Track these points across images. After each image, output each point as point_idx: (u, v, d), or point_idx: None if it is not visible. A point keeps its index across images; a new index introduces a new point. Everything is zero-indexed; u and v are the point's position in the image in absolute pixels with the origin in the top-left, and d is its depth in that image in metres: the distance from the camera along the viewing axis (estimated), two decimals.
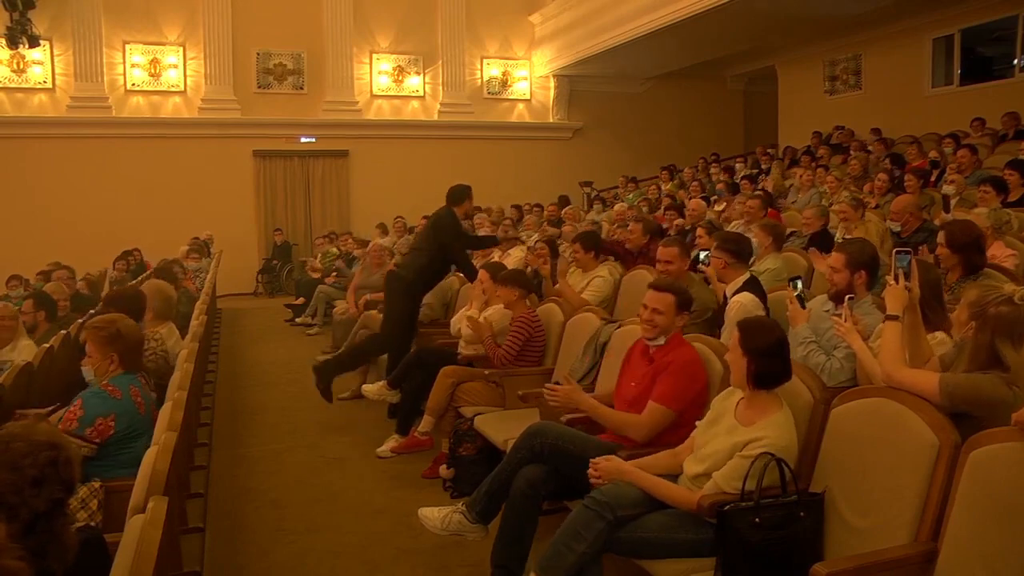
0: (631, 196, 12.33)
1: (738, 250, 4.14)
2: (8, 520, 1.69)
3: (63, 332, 4.94)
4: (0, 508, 1.71)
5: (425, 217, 11.17)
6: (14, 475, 1.76)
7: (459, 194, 6.26)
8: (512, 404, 4.46)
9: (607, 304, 5.52)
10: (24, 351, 4.80)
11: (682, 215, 8.00)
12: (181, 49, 14.35)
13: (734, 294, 4.02)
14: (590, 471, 2.82)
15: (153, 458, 2.46)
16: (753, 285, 4.06)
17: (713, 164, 13.23)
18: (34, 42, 12.02)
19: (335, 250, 12.07)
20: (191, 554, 3.67)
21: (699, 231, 5.80)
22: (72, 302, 6.71)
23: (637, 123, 16.80)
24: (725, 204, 8.76)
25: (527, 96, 16.55)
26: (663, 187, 12.32)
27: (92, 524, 2.70)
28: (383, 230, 12.46)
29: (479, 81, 16.19)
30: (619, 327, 4.18)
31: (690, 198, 9.41)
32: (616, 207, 10.11)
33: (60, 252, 11.25)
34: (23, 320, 5.33)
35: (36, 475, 1.77)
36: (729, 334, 3.46)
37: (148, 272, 9.63)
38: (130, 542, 1.90)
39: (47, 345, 4.53)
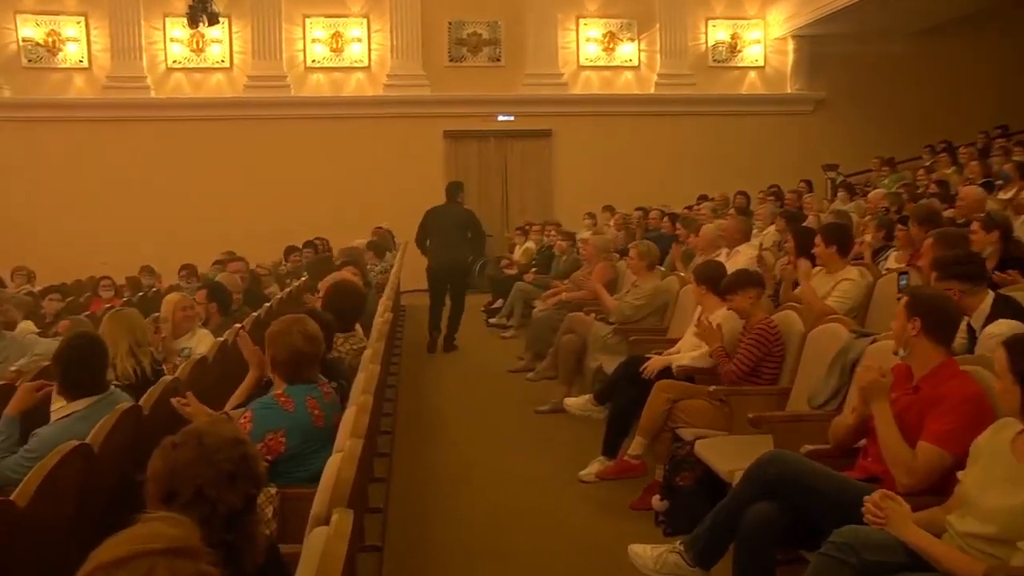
0: (888, 180, 11.59)
1: (967, 272, 3.84)
2: (207, 517, 1.83)
3: (238, 326, 5.35)
4: (200, 505, 1.86)
5: (639, 209, 11.23)
6: (211, 470, 1.90)
7: (461, 188, 9.87)
8: (741, 428, 4.33)
9: (857, 313, 5.23)
10: (203, 341, 5.30)
11: (952, 204, 7.43)
12: (365, 21, 15.21)
13: (985, 325, 3.74)
14: (868, 507, 2.66)
15: (337, 466, 2.57)
16: (1004, 306, 3.78)
17: (999, 139, 12.14)
18: (214, 19, 12.77)
19: (531, 245, 12.31)
20: (367, 575, 3.88)
21: (974, 226, 5.32)
22: (245, 296, 7.17)
23: (895, 91, 15.64)
24: (1016, 190, 8.02)
25: (760, 63, 16.04)
26: (931, 169, 11.49)
27: (267, 532, 2.87)
28: (594, 221, 12.58)
29: (703, 47, 15.91)
30: (872, 342, 3.93)
31: (967, 182, 8.70)
32: (871, 194, 9.54)
33: (232, 241, 12.19)
34: (196, 311, 5.86)
35: (231, 470, 1.91)
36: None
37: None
38: (312, 555, 1.97)
39: (221, 339, 4.96)
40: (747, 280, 4.89)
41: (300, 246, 11.67)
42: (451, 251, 9.38)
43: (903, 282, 2.66)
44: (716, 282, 5.20)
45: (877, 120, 15.62)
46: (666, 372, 5.11)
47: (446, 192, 10.22)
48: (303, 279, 9.25)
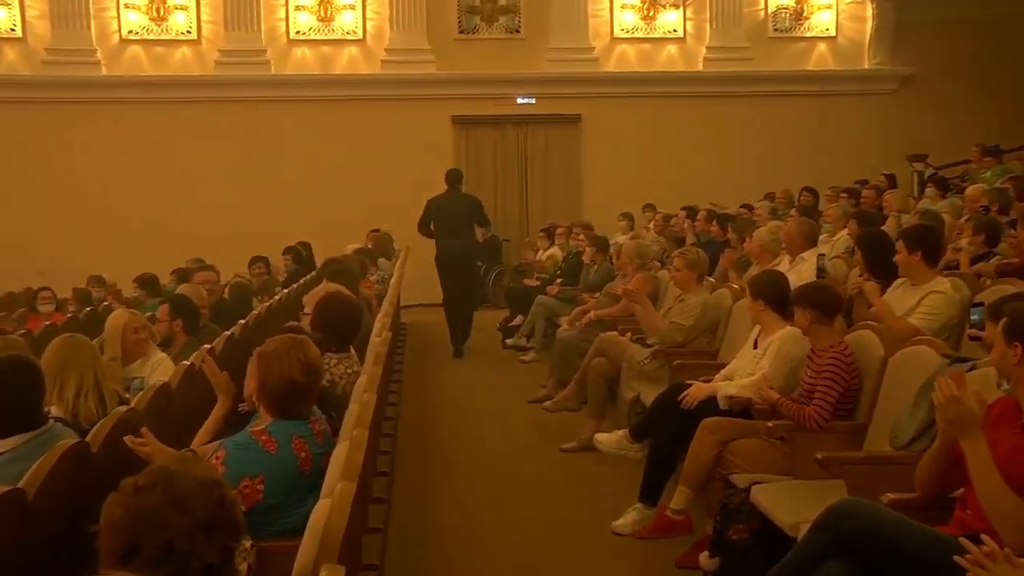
0: (990, 174, 11.54)
1: None
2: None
3: (206, 347, 5.30)
4: (169, 561, 1.83)
5: (685, 209, 11.26)
6: (184, 519, 1.86)
7: (462, 176, 11.46)
8: (806, 471, 4.30)
9: (950, 334, 5.19)
10: (158, 368, 5.27)
11: None
12: None
13: None
14: (971, 559, 2.63)
15: (325, 514, 2.55)
16: None
17: None
18: None
19: (556, 251, 12.34)
20: None
21: None
22: (212, 311, 7.10)
23: (1000, 65, 15.36)
24: None
25: (831, 32, 16.05)
26: None
27: None
28: (630, 223, 12.60)
29: (761, 14, 15.94)
30: (971, 369, 3.90)
31: None
32: (968, 190, 9.50)
33: (201, 246, 12.34)
34: (157, 330, 5.89)
35: (207, 517, 1.89)
36: None
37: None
38: None
39: (187, 363, 4.97)
40: (818, 297, 4.86)
41: (263, 256, 11.71)
42: (456, 240, 10.85)
43: (975, 317, 2.69)
44: (776, 296, 5.18)
45: (978, 100, 15.37)
46: (713, 407, 5.10)
47: (447, 179, 11.27)
48: (285, 292, 9.30)
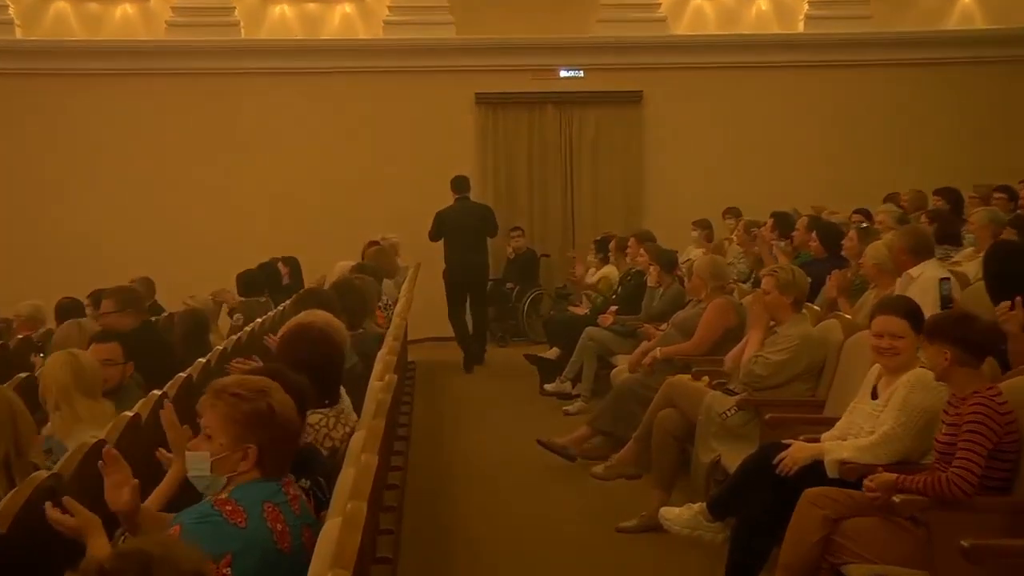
0: None
1: None
2: None
3: (157, 393, 5.34)
4: None
5: (777, 215, 11.22)
6: None
7: (469, 183, 13.05)
8: (947, 564, 4.24)
9: None
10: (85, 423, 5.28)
11: None
12: None
13: None
14: None
15: None
16: None
17: None
18: None
19: (611, 270, 12.30)
20: None
21: None
22: (139, 341, 7.08)
23: None
24: None
25: None
26: None
27: None
28: (706, 233, 12.63)
29: None
30: None
31: None
32: None
33: (152, 262, 12.46)
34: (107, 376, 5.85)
35: None
36: None
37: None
38: None
39: (129, 414, 4.97)
40: (961, 328, 4.79)
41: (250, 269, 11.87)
42: (468, 255, 12.09)
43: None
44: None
45: None
46: (817, 473, 5.06)
47: (455, 188, 12.42)
48: (248, 326, 9.34)
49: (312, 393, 4.31)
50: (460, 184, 13.15)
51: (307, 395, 4.13)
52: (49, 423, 5.39)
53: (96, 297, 9.32)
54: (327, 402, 4.71)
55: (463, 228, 12.16)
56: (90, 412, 5.36)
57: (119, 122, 15.02)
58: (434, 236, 12.79)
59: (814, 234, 9.80)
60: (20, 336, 9.80)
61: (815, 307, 7.49)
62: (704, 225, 12.79)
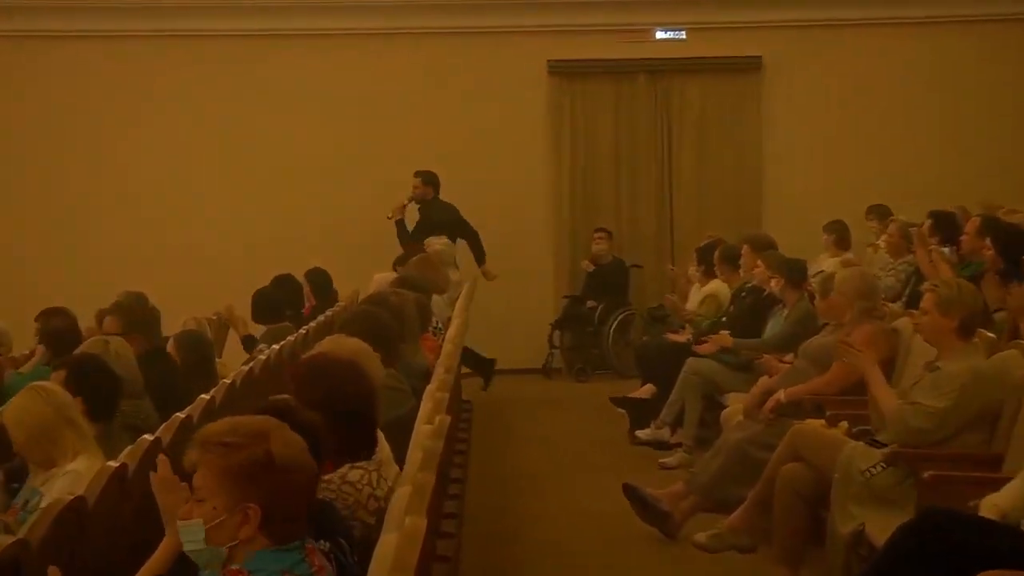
0: None
1: None
2: None
3: (149, 438, 5.39)
4: None
5: (936, 215, 11.14)
6: None
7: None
8: None
9: None
10: (66, 478, 5.32)
11: None
12: None
13: None
14: None
15: None
16: None
17: None
18: None
19: (720, 286, 12.20)
20: None
21: None
22: (151, 370, 7.27)
23: None
24: None
25: None
26: None
27: None
28: (841, 238, 12.55)
29: None
30: None
31: None
32: None
33: (138, 267, 12.84)
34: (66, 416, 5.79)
35: None
36: None
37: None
38: None
39: (113, 464, 4.98)
40: None
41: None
42: None
43: None
44: None
45: None
46: (995, 545, 4.96)
47: (432, 184, 13.28)
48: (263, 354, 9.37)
49: (324, 434, 4.27)
50: (432, 180, 14.07)
51: (320, 436, 4.09)
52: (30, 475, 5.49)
53: (102, 316, 9.44)
54: (364, 453, 4.69)
55: (429, 229, 12.61)
56: (75, 457, 5.45)
57: (119, 88, 15.36)
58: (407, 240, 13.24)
59: (988, 240, 9.67)
60: None
61: (989, 334, 7.32)
62: (838, 228, 12.73)
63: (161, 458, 4.48)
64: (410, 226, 14.18)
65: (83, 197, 15.24)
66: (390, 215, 14.17)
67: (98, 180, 15.29)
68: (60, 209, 15.21)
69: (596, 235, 15.16)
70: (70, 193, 15.25)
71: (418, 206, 14.31)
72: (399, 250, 13.16)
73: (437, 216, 14.10)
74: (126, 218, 15.21)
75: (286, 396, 4.77)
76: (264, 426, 3.57)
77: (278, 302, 11.73)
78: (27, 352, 9.78)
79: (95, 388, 6.27)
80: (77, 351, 7.39)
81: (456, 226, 14.11)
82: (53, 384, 5.96)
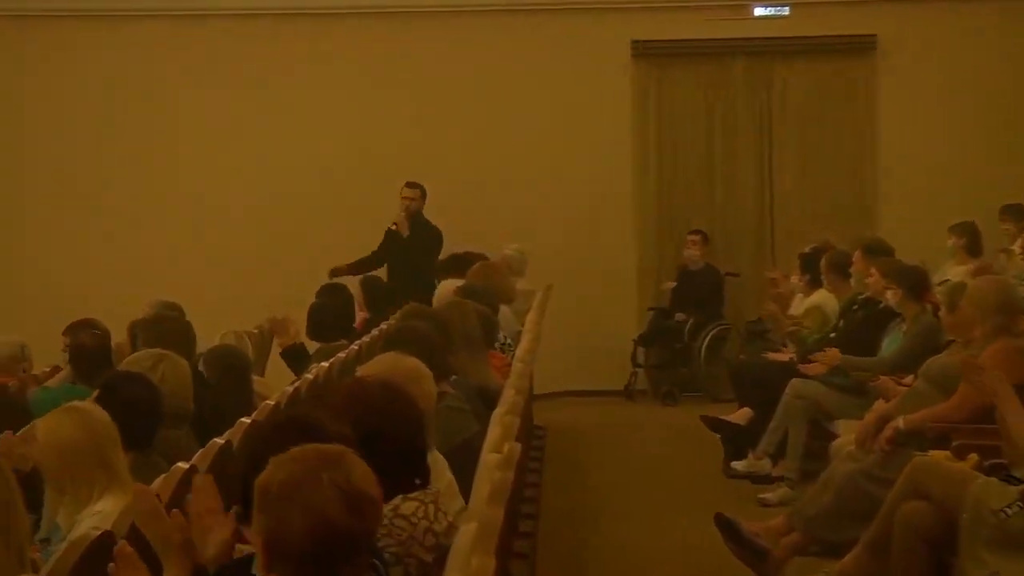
0: None
1: None
2: None
3: (183, 467, 5.44)
4: None
5: None
6: None
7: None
8: None
9: None
10: (97, 515, 5.32)
11: None
12: None
13: None
14: None
15: None
16: None
17: None
18: None
19: (825, 297, 12.17)
20: None
21: None
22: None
23: None
24: None
25: None
26: None
27: None
28: (971, 242, 12.51)
29: None
30: None
31: None
32: None
33: (161, 274, 12.98)
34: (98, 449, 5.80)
35: None
36: None
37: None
38: None
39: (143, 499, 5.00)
40: None
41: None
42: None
43: None
44: None
45: None
46: None
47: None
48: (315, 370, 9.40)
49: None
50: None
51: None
52: (50, 506, 5.54)
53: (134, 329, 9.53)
54: (418, 482, 4.71)
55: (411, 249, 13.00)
56: (101, 495, 5.47)
57: (136, 84, 15.60)
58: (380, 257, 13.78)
59: None
60: None
61: None
62: (967, 230, 12.66)
63: (206, 478, 4.53)
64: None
65: (116, 198, 15.59)
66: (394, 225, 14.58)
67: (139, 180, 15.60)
68: (81, 213, 15.50)
69: (690, 238, 15.16)
70: (108, 195, 15.62)
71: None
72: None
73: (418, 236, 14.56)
74: (156, 222, 15.48)
75: (315, 410, 4.82)
76: (320, 457, 3.60)
77: (332, 315, 11.75)
78: (47, 369, 9.91)
79: (130, 413, 6.25)
80: (123, 367, 7.44)
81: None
82: (97, 409, 5.92)
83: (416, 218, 14.57)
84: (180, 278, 13.86)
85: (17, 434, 6.54)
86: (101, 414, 5.77)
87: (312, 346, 11.20)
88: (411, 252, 14.29)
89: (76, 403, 5.96)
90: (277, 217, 15.39)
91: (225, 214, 15.44)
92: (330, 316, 11.49)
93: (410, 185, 14.58)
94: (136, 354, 7.82)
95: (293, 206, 15.39)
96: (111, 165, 15.55)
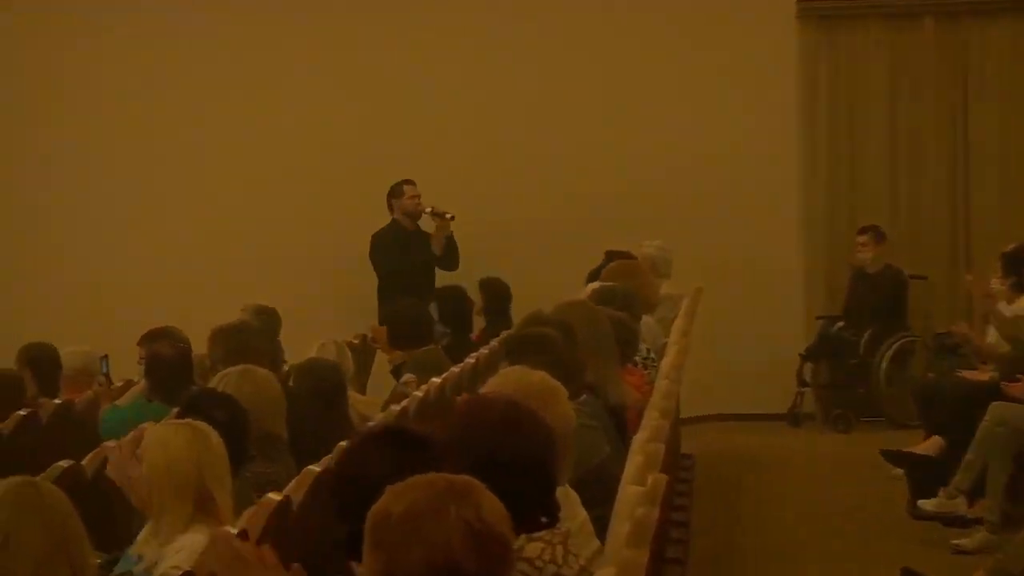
0: None
1: None
2: None
3: (275, 498, 5.49)
4: None
5: None
6: None
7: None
8: None
9: None
10: (184, 552, 5.42)
11: None
12: None
13: None
14: None
15: None
16: None
17: None
18: None
19: None
20: None
21: None
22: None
23: None
24: None
25: None
26: None
27: None
28: None
29: None
30: None
31: None
32: None
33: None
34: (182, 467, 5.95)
35: None
36: None
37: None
38: None
39: (231, 531, 5.05)
40: None
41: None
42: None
43: None
44: None
45: None
46: None
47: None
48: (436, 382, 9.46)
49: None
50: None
51: None
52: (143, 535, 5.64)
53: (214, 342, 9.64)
54: (544, 520, 4.70)
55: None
56: (187, 528, 5.56)
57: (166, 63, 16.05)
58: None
59: None
60: (61, 401, 10.06)
61: None
62: None
63: (222, 536, 4.56)
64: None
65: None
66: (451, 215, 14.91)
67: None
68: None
69: (858, 239, 15.07)
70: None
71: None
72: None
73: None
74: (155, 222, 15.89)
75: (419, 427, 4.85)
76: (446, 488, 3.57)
77: (424, 321, 11.84)
78: (121, 383, 10.03)
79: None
80: (212, 384, 7.52)
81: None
82: (214, 432, 6.00)
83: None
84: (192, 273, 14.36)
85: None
86: (217, 438, 5.88)
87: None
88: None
89: (191, 420, 6.05)
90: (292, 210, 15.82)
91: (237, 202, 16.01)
92: (405, 323, 11.59)
93: (413, 183, 15.19)
94: (228, 370, 7.86)
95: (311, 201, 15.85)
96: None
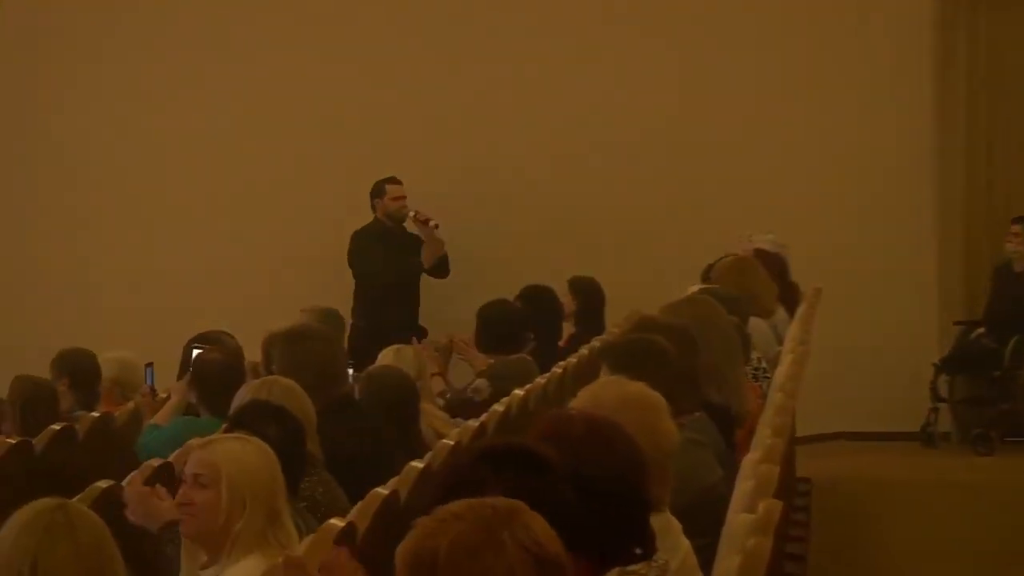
0: None
1: None
2: None
3: (338, 524, 5.55)
4: None
5: None
6: None
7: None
8: None
9: None
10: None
11: None
12: None
13: None
14: None
15: None
16: None
17: None
18: None
19: None
20: None
21: None
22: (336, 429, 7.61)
23: None
24: None
25: None
26: None
27: None
28: None
29: None
30: None
31: None
32: None
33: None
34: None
35: None
36: None
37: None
38: None
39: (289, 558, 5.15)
40: None
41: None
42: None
43: None
44: None
45: None
46: None
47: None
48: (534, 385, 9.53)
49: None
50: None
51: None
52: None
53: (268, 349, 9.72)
54: (639, 552, 4.74)
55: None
56: (246, 553, 5.66)
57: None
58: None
59: None
60: (99, 414, 10.14)
61: None
62: None
63: (295, 562, 4.63)
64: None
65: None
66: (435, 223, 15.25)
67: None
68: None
69: (1013, 228, 15.01)
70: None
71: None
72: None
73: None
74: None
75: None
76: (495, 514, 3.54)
77: (522, 322, 11.92)
78: (164, 395, 10.10)
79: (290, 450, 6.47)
80: (256, 399, 7.47)
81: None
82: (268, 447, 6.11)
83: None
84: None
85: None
86: (273, 454, 5.98)
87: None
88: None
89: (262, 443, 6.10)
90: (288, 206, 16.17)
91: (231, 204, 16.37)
92: (503, 322, 11.63)
93: (398, 182, 15.63)
94: (258, 381, 7.93)
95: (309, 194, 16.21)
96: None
